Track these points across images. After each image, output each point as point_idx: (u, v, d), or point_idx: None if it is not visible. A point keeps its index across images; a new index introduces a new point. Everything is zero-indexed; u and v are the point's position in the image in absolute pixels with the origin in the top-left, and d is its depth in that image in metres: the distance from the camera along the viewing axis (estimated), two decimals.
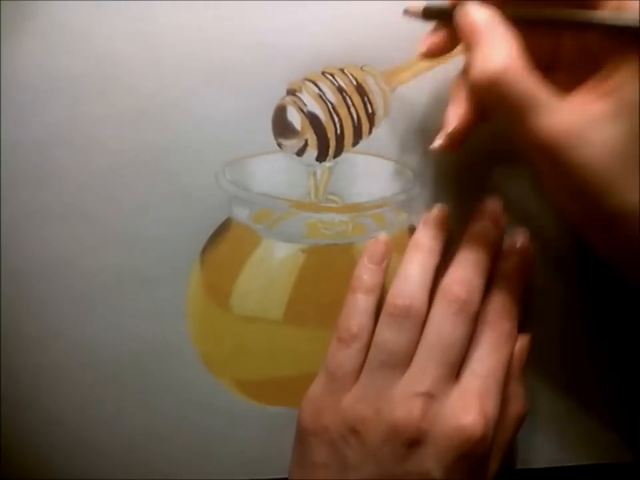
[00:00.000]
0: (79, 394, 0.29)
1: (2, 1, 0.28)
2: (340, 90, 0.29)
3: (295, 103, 0.29)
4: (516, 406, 0.27)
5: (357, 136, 0.29)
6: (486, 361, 0.26)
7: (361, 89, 0.29)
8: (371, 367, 0.27)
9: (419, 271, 0.27)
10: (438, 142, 0.26)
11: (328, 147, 0.29)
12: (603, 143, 0.22)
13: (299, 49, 0.29)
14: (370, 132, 0.29)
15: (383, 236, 0.29)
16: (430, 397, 0.25)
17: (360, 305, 0.27)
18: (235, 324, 0.28)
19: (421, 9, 0.26)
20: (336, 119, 0.29)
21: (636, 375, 0.29)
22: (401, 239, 0.29)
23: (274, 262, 0.30)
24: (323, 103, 0.29)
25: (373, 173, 0.30)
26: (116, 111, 0.28)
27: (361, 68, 0.29)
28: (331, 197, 0.30)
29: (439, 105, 0.29)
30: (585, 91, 0.24)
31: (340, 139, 0.29)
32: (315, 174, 0.29)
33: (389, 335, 0.26)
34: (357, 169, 0.29)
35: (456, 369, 0.26)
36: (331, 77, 0.29)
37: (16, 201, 0.29)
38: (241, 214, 0.29)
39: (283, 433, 0.28)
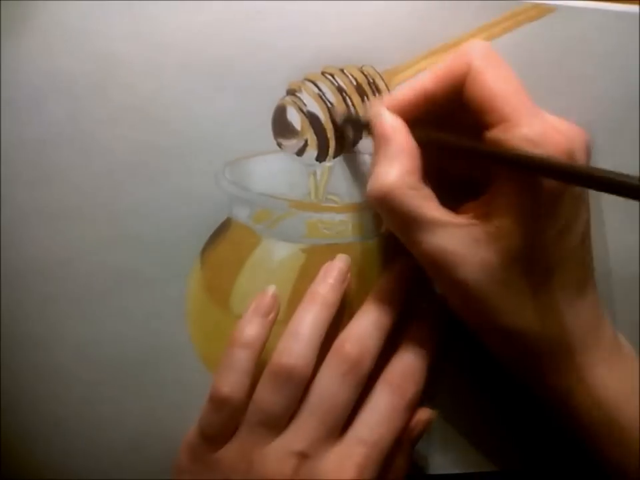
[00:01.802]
0: (79, 394, 0.29)
1: (2, 1, 0.27)
2: (340, 90, 0.29)
3: (294, 102, 0.29)
4: (390, 477, 0.27)
5: (357, 136, 0.29)
6: (375, 429, 0.26)
7: (360, 89, 0.29)
8: (248, 423, 0.26)
9: (310, 326, 0.26)
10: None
11: (328, 146, 0.29)
12: (479, 263, 0.23)
13: (299, 49, 0.29)
14: None
15: (271, 288, 0.28)
16: (304, 456, 0.25)
17: (236, 361, 0.26)
18: (234, 324, 0.28)
19: (344, 117, 0.28)
20: (336, 118, 0.29)
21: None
22: None
23: (274, 262, 0.30)
24: (323, 103, 0.29)
25: None
26: (116, 111, 0.28)
27: (361, 68, 0.29)
28: (330, 197, 0.30)
29: None
30: (469, 210, 0.24)
31: (340, 139, 0.29)
32: (314, 174, 0.29)
33: (267, 396, 0.26)
34: (357, 168, 0.30)
35: (338, 430, 0.26)
36: (330, 77, 0.29)
37: (15, 201, 0.28)
38: (241, 214, 0.29)
39: None
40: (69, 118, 0.28)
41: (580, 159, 0.23)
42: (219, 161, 0.29)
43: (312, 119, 0.29)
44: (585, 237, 0.25)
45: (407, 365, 0.27)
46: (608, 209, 0.30)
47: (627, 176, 0.20)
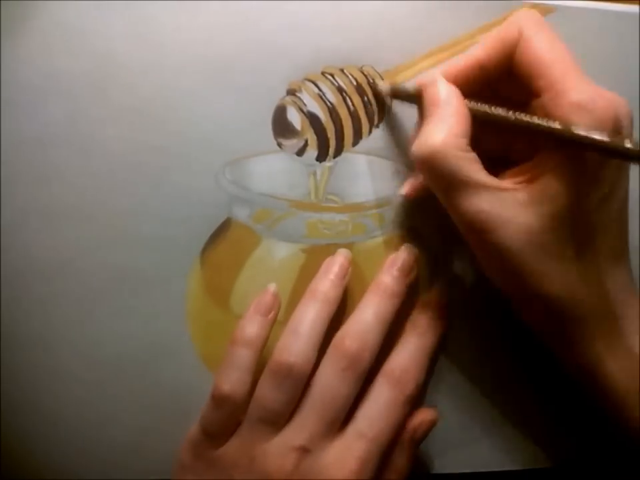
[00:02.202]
0: (79, 394, 0.29)
1: (2, 1, 0.27)
2: (340, 90, 0.29)
3: (294, 103, 0.29)
4: (391, 477, 0.27)
5: (357, 136, 0.29)
6: (375, 423, 0.26)
7: (360, 89, 0.29)
8: (249, 420, 0.27)
9: (310, 323, 0.27)
10: (404, 190, 0.28)
11: (328, 146, 0.29)
12: (522, 227, 0.24)
13: (299, 49, 0.29)
14: (370, 132, 0.29)
15: (272, 287, 0.28)
16: (305, 451, 0.25)
17: (238, 359, 0.27)
18: (234, 324, 0.28)
19: (389, 89, 0.28)
20: (336, 118, 0.29)
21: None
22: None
23: (274, 262, 0.30)
24: (323, 103, 0.29)
25: (372, 172, 0.30)
26: (116, 111, 0.28)
27: (361, 68, 0.29)
28: (330, 197, 0.30)
29: None
30: (511, 176, 0.25)
31: (340, 139, 0.29)
32: (315, 174, 0.29)
33: (268, 393, 0.26)
34: (356, 168, 0.30)
35: (338, 424, 0.26)
36: (330, 77, 0.29)
37: (16, 201, 0.28)
38: (241, 214, 0.29)
39: None
40: (68, 118, 0.28)
41: (625, 125, 0.24)
42: (219, 160, 0.29)
43: (312, 118, 0.29)
44: (624, 204, 0.25)
45: (407, 359, 0.27)
46: None
47: None
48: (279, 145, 0.29)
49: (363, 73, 0.29)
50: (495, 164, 0.25)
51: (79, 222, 0.29)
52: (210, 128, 0.29)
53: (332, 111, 0.29)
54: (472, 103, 0.25)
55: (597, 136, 0.22)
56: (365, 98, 0.29)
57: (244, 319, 0.28)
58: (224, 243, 0.29)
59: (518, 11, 0.25)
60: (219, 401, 0.27)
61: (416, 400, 0.27)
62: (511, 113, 0.24)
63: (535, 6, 0.29)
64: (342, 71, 0.29)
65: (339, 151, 0.29)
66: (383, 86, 0.28)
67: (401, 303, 0.28)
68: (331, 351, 0.27)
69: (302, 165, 0.29)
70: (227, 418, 0.27)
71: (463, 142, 0.24)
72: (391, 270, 0.28)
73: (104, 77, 0.28)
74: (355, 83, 0.29)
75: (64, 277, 0.29)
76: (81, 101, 0.28)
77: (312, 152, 0.29)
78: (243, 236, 0.30)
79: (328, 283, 0.28)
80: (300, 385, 0.26)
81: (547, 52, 0.24)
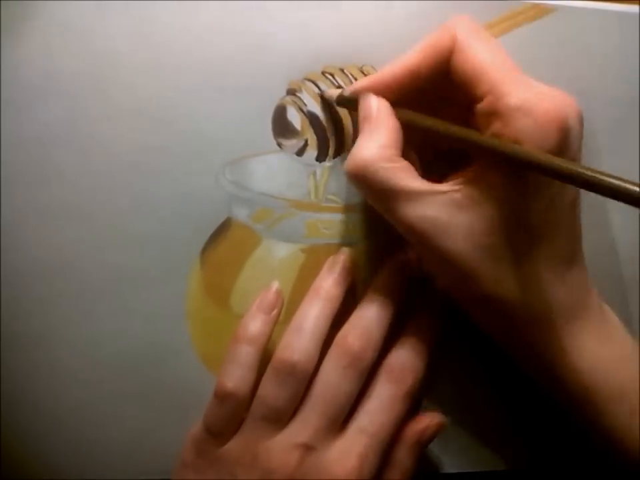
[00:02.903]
0: (79, 394, 0.29)
1: (2, 1, 0.27)
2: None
3: (294, 102, 0.29)
4: (395, 477, 0.27)
5: (357, 136, 0.29)
6: (376, 418, 0.26)
7: None
8: (252, 417, 0.27)
9: (313, 321, 0.27)
10: None
11: (328, 146, 0.29)
12: (462, 230, 0.23)
13: (299, 49, 0.29)
14: None
15: (275, 285, 0.28)
16: (308, 448, 0.26)
17: (240, 357, 0.27)
18: (234, 324, 0.28)
19: (335, 96, 0.27)
20: (336, 118, 0.29)
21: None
22: None
23: (274, 262, 0.30)
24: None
25: None
26: (116, 111, 0.28)
27: (361, 68, 0.29)
28: (330, 197, 0.30)
29: None
30: (453, 178, 0.24)
31: (340, 139, 0.29)
32: (315, 174, 0.29)
33: (271, 391, 0.26)
34: None
35: (340, 421, 0.26)
36: (330, 77, 0.29)
37: (15, 201, 0.28)
38: (241, 214, 0.29)
39: None
40: (68, 118, 0.28)
41: (573, 126, 0.23)
42: (219, 160, 0.29)
43: (312, 118, 0.29)
44: (574, 207, 0.25)
45: (407, 356, 0.27)
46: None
47: (609, 175, 0.20)
48: (279, 144, 0.29)
49: (363, 73, 0.29)
50: (450, 159, 0.25)
51: (79, 222, 0.29)
52: (210, 128, 0.29)
53: (332, 111, 0.29)
54: (404, 111, 0.25)
55: (535, 155, 0.21)
56: None
57: (246, 316, 0.28)
58: (224, 242, 0.29)
59: (452, 17, 0.25)
60: (222, 398, 0.27)
61: (416, 395, 0.27)
62: (442, 124, 0.24)
63: (535, 6, 0.29)
64: (342, 70, 0.29)
65: (338, 151, 0.29)
66: (330, 94, 0.28)
67: (403, 301, 0.28)
68: (333, 348, 0.27)
69: (302, 165, 0.29)
70: (230, 415, 0.27)
71: (392, 153, 0.24)
72: (390, 268, 0.28)
73: (104, 77, 0.28)
74: None
75: (64, 277, 0.29)
76: (81, 100, 0.28)
77: (312, 152, 0.29)
78: (243, 236, 0.30)
79: (331, 281, 0.28)
80: (303, 382, 0.26)
81: (483, 57, 0.23)
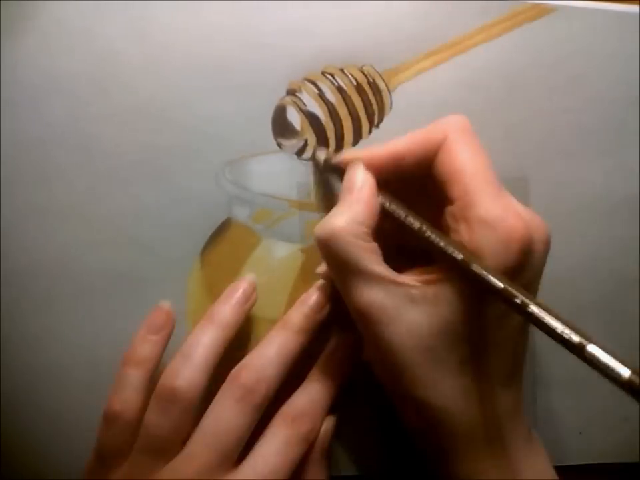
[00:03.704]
0: (79, 394, 0.29)
1: (2, 1, 0.27)
2: (340, 90, 0.29)
3: (294, 102, 0.29)
4: None
5: (357, 136, 0.29)
6: (270, 460, 0.25)
7: (360, 89, 0.29)
8: (139, 447, 0.25)
9: (203, 348, 0.26)
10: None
11: (328, 146, 0.29)
12: (410, 325, 0.23)
13: (299, 49, 0.29)
14: (370, 132, 0.29)
15: (165, 304, 0.28)
16: None
17: (127, 380, 0.26)
18: (243, 325, 0.28)
19: (322, 159, 0.27)
20: (336, 118, 0.29)
21: None
22: None
23: (273, 262, 0.30)
24: (323, 103, 0.29)
25: None
26: (116, 110, 0.28)
27: (361, 68, 0.29)
28: None
29: (439, 104, 0.29)
30: (413, 274, 0.24)
31: (340, 139, 0.29)
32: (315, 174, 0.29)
33: (154, 419, 0.25)
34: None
35: (232, 457, 0.25)
36: (330, 77, 0.29)
37: (15, 201, 0.28)
38: (241, 214, 0.29)
39: None
40: (69, 118, 0.28)
41: (537, 250, 0.23)
42: (219, 160, 0.29)
43: (312, 119, 0.29)
44: (522, 331, 0.24)
45: (305, 401, 0.26)
46: None
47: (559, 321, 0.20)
48: (279, 145, 0.29)
49: (363, 73, 0.29)
50: (418, 256, 0.25)
51: (79, 222, 0.29)
52: (210, 128, 0.29)
53: (332, 111, 0.29)
54: (386, 196, 0.25)
55: (492, 278, 0.21)
56: (365, 98, 0.29)
57: (135, 338, 0.27)
58: (224, 242, 0.29)
59: (448, 116, 0.25)
60: (109, 420, 0.26)
61: (312, 438, 0.26)
62: (415, 222, 0.24)
63: (535, 6, 0.29)
64: (342, 70, 0.29)
65: (338, 151, 0.29)
66: (320, 156, 0.28)
67: (308, 342, 0.27)
68: (227, 381, 0.26)
69: (302, 165, 0.29)
70: (118, 439, 0.26)
71: (363, 231, 0.23)
72: (301, 307, 0.28)
73: (104, 77, 0.28)
74: (354, 83, 0.29)
75: (63, 277, 0.29)
76: (81, 100, 0.28)
77: (312, 152, 0.29)
78: (243, 236, 0.30)
79: (227, 307, 0.27)
80: (186, 411, 0.25)
81: (464, 161, 0.23)
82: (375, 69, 0.29)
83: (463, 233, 0.23)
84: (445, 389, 0.23)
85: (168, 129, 0.29)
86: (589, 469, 0.31)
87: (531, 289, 0.24)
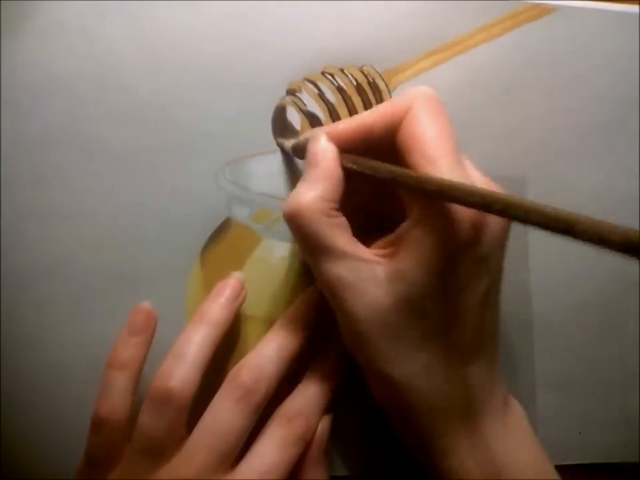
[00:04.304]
0: (79, 394, 0.29)
1: (2, 1, 0.27)
2: (339, 90, 0.29)
3: (294, 102, 0.29)
4: None
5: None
6: (267, 458, 0.25)
7: (360, 89, 0.29)
8: (131, 450, 0.25)
9: (195, 347, 0.26)
10: None
11: None
12: (372, 301, 0.23)
13: (299, 49, 0.29)
14: None
15: (144, 304, 0.28)
16: None
17: (113, 383, 0.26)
18: (234, 323, 0.28)
19: (291, 146, 0.27)
20: (336, 118, 0.29)
21: None
22: None
23: (273, 261, 0.30)
24: (323, 103, 0.29)
25: None
26: (116, 110, 0.28)
27: (361, 68, 0.29)
28: None
29: None
30: (379, 246, 0.24)
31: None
32: None
33: (148, 420, 0.25)
34: None
35: (230, 457, 0.25)
36: (330, 77, 0.29)
37: (15, 201, 0.28)
38: (241, 214, 0.29)
39: None
40: (69, 118, 0.28)
41: (493, 221, 0.23)
42: (219, 160, 0.29)
43: (312, 119, 0.29)
44: (486, 299, 0.24)
45: (302, 401, 0.26)
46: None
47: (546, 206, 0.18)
48: (279, 145, 0.29)
49: (363, 73, 0.29)
50: (383, 221, 0.25)
51: (79, 222, 0.29)
52: (210, 128, 0.29)
53: (332, 111, 0.29)
54: (349, 156, 0.24)
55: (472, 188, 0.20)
56: (365, 98, 0.29)
57: (117, 340, 0.27)
58: (224, 242, 0.29)
59: (414, 87, 0.24)
60: (96, 425, 0.26)
61: (312, 433, 0.26)
62: (384, 167, 0.23)
63: (535, 6, 0.29)
64: (342, 70, 0.29)
65: None
66: (287, 145, 0.28)
67: (308, 341, 0.27)
68: (226, 382, 0.26)
69: (302, 165, 0.29)
70: (107, 444, 0.25)
71: (329, 206, 0.24)
72: (299, 307, 0.28)
73: (104, 77, 0.28)
74: (354, 83, 0.29)
75: (63, 276, 0.29)
76: (81, 100, 0.28)
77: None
78: (243, 236, 0.30)
79: (217, 306, 0.27)
80: (181, 411, 0.25)
81: (424, 130, 0.23)
82: (374, 69, 0.29)
83: (422, 201, 0.23)
84: (406, 364, 0.23)
85: (168, 128, 0.29)
86: (589, 469, 0.31)
87: (487, 265, 0.24)
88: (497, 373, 0.25)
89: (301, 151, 0.27)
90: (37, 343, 0.29)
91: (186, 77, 0.28)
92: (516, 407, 0.26)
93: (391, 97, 0.29)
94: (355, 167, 0.24)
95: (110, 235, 0.29)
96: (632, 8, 0.30)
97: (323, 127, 0.26)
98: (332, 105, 0.29)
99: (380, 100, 0.29)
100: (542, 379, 0.31)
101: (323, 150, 0.24)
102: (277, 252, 0.30)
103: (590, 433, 0.31)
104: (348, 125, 0.25)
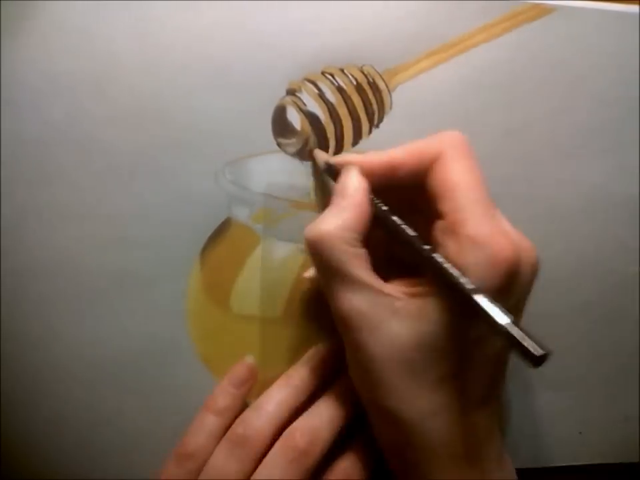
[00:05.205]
0: (79, 394, 0.29)
1: (2, 1, 0.27)
2: (340, 90, 0.29)
3: (294, 102, 0.29)
4: None
5: (357, 136, 0.29)
6: None
7: (360, 89, 0.29)
8: None
9: (274, 405, 0.27)
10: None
11: (328, 147, 0.29)
12: (390, 336, 0.23)
13: (299, 49, 0.29)
14: (370, 132, 0.29)
15: (249, 359, 0.29)
16: None
17: (205, 425, 0.27)
18: (234, 323, 0.28)
19: (324, 163, 0.27)
20: (336, 118, 0.29)
21: None
22: None
23: (273, 262, 0.30)
24: (323, 103, 0.29)
25: None
26: (116, 110, 0.28)
27: (361, 68, 0.29)
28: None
29: (439, 104, 0.29)
30: (403, 284, 0.24)
31: (340, 139, 0.29)
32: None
33: (219, 460, 0.26)
34: None
35: None
36: (330, 77, 0.29)
37: (15, 201, 0.28)
38: (241, 214, 0.29)
39: None
40: (68, 118, 0.28)
41: (524, 272, 0.23)
42: (218, 160, 0.29)
43: (312, 118, 0.29)
44: (504, 353, 0.24)
45: (351, 464, 0.27)
46: None
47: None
48: (279, 144, 0.29)
49: (363, 73, 0.29)
50: (401, 267, 0.25)
51: (79, 222, 0.29)
52: (210, 128, 0.29)
53: (332, 111, 0.29)
54: (380, 203, 0.25)
55: (476, 296, 0.21)
56: (365, 98, 0.29)
57: (217, 388, 0.28)
58: (224, 242, 0.29)
59: (446, 131, 0.25)
60: (181, 458, 0.27)
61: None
62: (407, 232, 0.23)
63: (535, 6, 0.29)
64: (342, 70, 0.29)
65: (338, 151, 0.29)
66: (318, 158, 0.28)
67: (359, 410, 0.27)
68: (280, 439, 0.26)
69: (302, 165, 0.29)
70: (185, 476, 0.26)
71: (352, 236, 0.24)
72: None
73: (104, 77, 0.28)
74: (354, 83, 0.29)
75: (64, 277, 0.29)
76: (81, 100, 0.28)
77: (310, 152, 0.29)
78: (243, 236, 0.30)
79: (303, 371, 0.28)
80: (253, 457, 0.26)
81: (457, 177, 0.23)
82: (375, 69, 0.29)
83: (451, 249, 0.23)
84: (421, 403, 0.23)
85: (168, 128, 0.29)
86: (589, 469, 0.31)
87: (516, 311, 0.24)
88: (497, 424, 0.25)
89: (329, 170, 0.27)
90: (37, 343, 0.29)
91: (186, 77, 0.28)
92: (508, 461, 0.26)
93: (391, 96, 0.29)
94: (381, 214, 0.24)
95: (110, 235, 0.29)
96: (632, 8, 0.30)
97: (355, 157, 0.26)
98: (332, 104, 0.29)
99: (380, 100, 0.29)
100: (542, 378, 0.31)
101: (356, 184, 0.25)
102: (277, 252, 0.30)
103: (590, 432, 0.31)
104: (378, 159, 0.25)
